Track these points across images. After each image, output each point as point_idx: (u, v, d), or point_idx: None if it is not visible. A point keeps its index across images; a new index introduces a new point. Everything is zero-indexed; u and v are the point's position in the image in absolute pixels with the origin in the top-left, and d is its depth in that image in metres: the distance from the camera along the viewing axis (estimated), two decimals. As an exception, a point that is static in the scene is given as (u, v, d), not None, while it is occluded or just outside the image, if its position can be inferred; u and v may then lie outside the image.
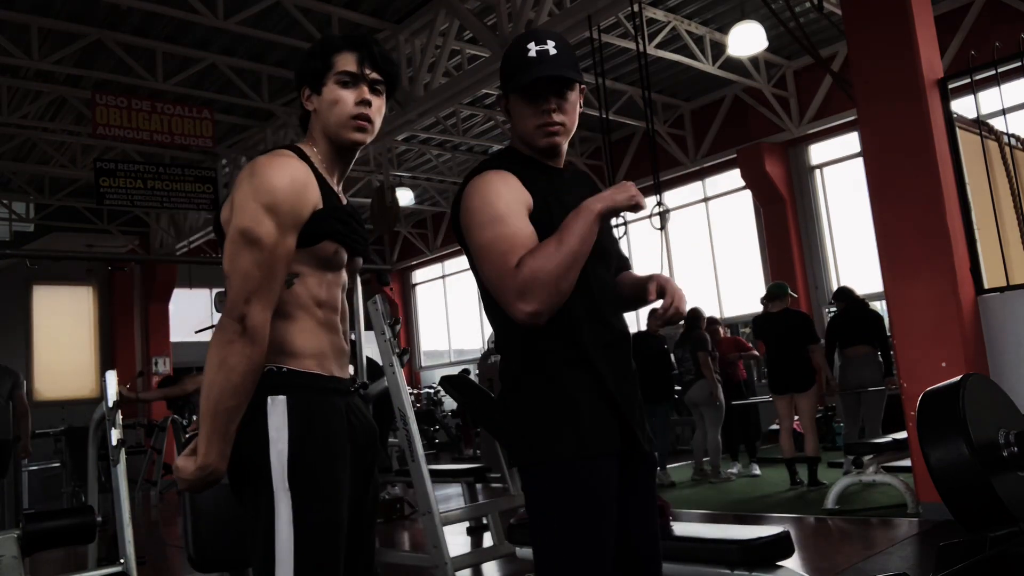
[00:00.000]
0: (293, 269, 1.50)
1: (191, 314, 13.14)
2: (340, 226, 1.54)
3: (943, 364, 4.40)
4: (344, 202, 1.65)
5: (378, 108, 1.62)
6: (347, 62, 1.57)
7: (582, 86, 1.67)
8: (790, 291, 6.51)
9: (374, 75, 1.60)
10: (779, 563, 2.65)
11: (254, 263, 1.43)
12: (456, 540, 5.02)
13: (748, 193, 10.56)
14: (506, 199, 1.54)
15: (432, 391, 13.35)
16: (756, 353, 8.25)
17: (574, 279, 1.47)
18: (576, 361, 1.58)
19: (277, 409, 1.47)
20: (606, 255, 1.70)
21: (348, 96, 1.57)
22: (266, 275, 1.44)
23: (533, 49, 1.59)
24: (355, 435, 1.59)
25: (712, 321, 8.18)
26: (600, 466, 1.54)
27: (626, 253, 1.88)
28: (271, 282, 1.45)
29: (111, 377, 3.53)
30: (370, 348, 4.92)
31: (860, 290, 6.90)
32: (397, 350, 3.94)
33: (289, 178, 1.48)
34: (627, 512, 1.65)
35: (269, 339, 1.47)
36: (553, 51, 1.59)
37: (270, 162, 1.50)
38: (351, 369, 1.67)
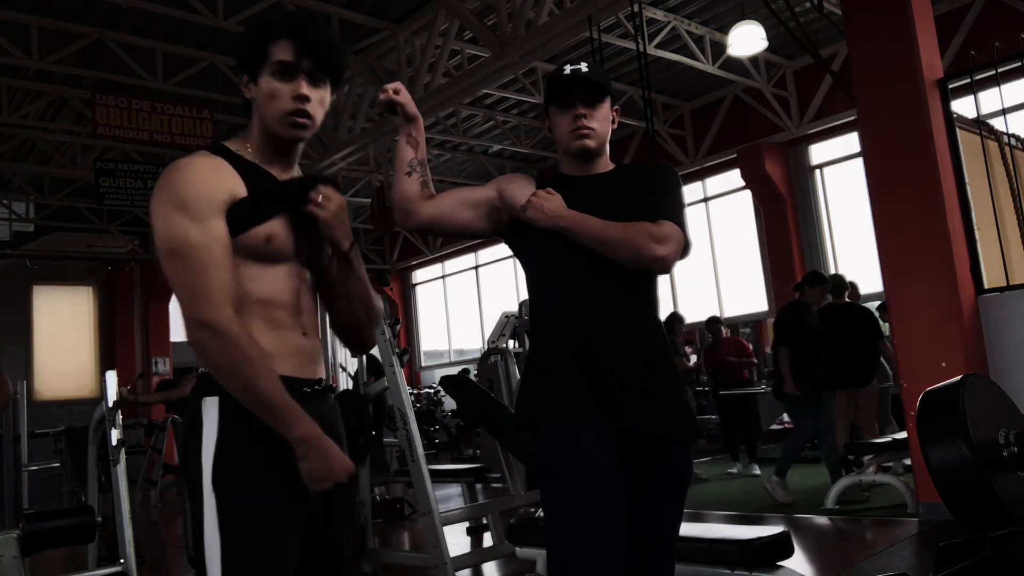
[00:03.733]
0: None
1: (191, 314, 13.11)
2: (267, 204, 1.46)
3: (943, 364, 4.40)
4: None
5: (319, 100, 1.49)
6: (283, 51, 1.44)
7: (615, 107, 1.90)
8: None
9: (313, 65, 1.46)
10: (779, 563, 2.65)
11: (183, 269, 1.35)
12: (456, 540, 5.02)
13: (748, 193, 10.56)
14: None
15: (432, 391, 13.35)
16: (755, 360, 8.25)
17: (399, 191, 1.85)
18: (562, 350, 1.76)
19: (210, 410, 1.40)
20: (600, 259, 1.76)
21: (284, 89, 1.45)
22: (201, 271, 1.34)
23: (568, 69, 1.83)
24: None
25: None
26: (560, 423, 1.70)
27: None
28: (210, 274, 1.35)
29: (111, 377, 3.54)
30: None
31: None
32: (397, 350, 3.95)
33: (189, 169, 1.41)
34: (637, 501, 1.70)
35: None
36: (585, 69, 1.82)
37: (169, 167, 1.43)
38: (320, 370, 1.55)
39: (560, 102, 1.83)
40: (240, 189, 1.42)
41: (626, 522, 1.68)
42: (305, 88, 1.45)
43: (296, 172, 1.58)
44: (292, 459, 1.35)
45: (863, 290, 6.97)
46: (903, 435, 5.03)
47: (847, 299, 6.18)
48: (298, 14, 1.49)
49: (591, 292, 1.75)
